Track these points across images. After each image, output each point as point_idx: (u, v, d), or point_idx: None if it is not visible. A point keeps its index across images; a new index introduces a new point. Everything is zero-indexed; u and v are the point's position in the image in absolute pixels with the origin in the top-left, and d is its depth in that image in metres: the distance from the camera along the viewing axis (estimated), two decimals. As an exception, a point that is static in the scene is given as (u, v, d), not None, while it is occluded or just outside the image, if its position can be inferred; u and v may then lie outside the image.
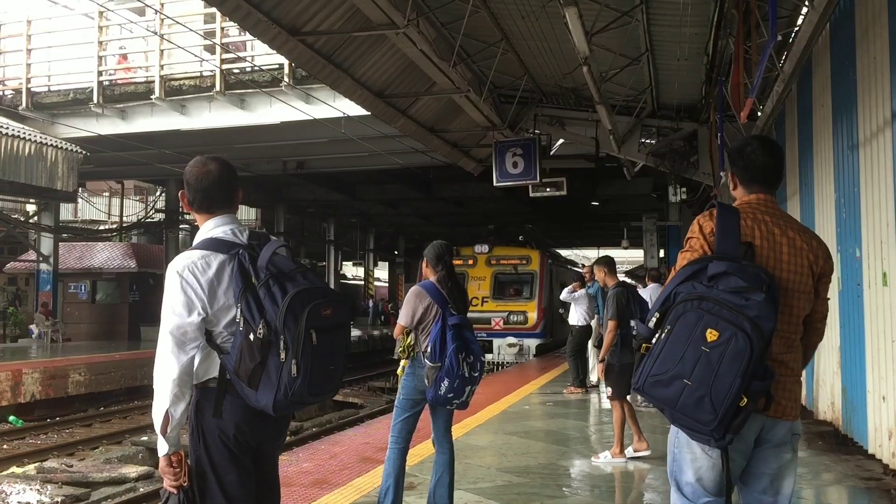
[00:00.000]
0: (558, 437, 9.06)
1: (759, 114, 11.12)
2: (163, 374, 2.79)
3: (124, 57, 20.76)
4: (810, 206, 9.32)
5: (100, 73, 19.43)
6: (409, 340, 5.22)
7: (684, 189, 17.28)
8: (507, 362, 20.77)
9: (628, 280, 32.48)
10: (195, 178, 3.05)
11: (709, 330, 2.67)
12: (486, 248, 22.50)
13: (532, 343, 21.63)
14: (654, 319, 2.80)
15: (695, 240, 2.98)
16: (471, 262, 22.29)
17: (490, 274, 22.27)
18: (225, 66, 18.24)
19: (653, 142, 15.89)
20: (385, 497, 5.18)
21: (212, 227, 3.02)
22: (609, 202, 29.74)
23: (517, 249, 23.53)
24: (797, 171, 10.20)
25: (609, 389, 7.79)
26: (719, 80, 10.96)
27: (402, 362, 5.26)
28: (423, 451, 7.30)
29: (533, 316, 21.85)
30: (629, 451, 7.64)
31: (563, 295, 14.42)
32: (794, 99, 10.29)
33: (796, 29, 8.49)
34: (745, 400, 2.64)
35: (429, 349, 5.03)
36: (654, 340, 2.77)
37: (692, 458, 2.90)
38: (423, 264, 5.45)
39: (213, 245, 2.94)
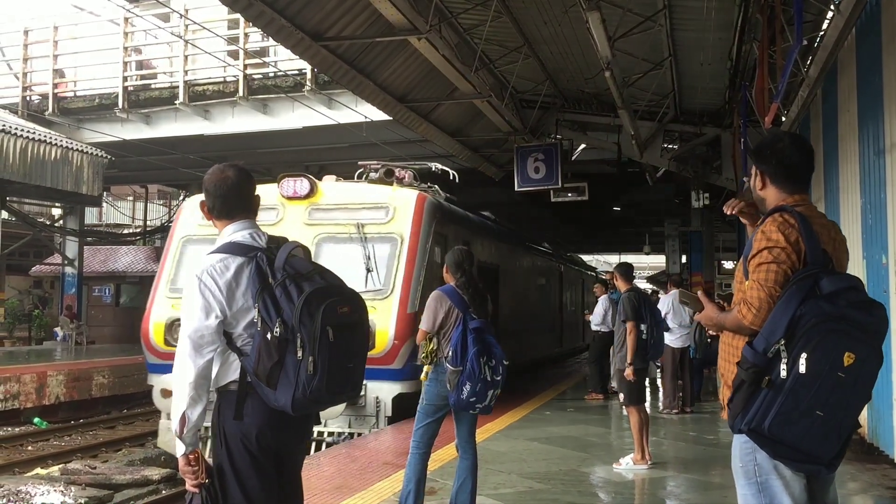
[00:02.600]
0: (579, 443, 9.02)
1: (784, 119, 11.03)
2: (180, 377, 2.82)
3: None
4: (836, 211, 9.22)
5: (125, 79, 19.64)
6: (431, 346, 5.23)
7: (707, 195, 17.16)
8: (334, 436, 9.80)
9: (649, 285, 32.14)
10: (214, 184, 3.09)
11: (847, 354, 2.45)
12: (302, 186, 10.69)
13: (384, 390, 9.76)
14: (777, 347, 2.50)
15: (778, 250, 2.66)
16: (273, 214, 10.57)
17: (311, 239, 10.15)
18: (248, 72, 18.37)
19: (675, 147, 15.83)
20: (406, 502, 5.19)
21: (231, 232, 3.07)
22: (631, 207, 29.58)
23: (364, 189, 11.10)
24: (822, 177, 10.10)
25: (622, 396, 7.77)
26: (743, 84, 10.89)
27: (426, 368, 5.27)
28: (443, 455, 7.29)
29: (386, 330, 9.83)
30: (626, 462, 7.53)
31: (595, 319, 14.10)
32: (818, 104, 10.19)
33: (821, 33, 8.42)
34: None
35: (450, 353, 5.04)
36: (782, 372, 2.48)
37: (785, 485, 2.67)
38: (444, 270, 5.49)
39: (232, 248, 2.98)
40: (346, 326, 2.88)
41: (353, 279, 8.60)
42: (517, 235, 18.88)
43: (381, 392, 9.53)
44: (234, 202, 3.09)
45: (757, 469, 2.72)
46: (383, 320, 9.57)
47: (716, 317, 2.88)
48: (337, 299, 2.88)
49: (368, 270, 9.96)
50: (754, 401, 2.55)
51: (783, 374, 2.49)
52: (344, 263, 8.84)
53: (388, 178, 11.29)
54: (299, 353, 2.77)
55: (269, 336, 2.80)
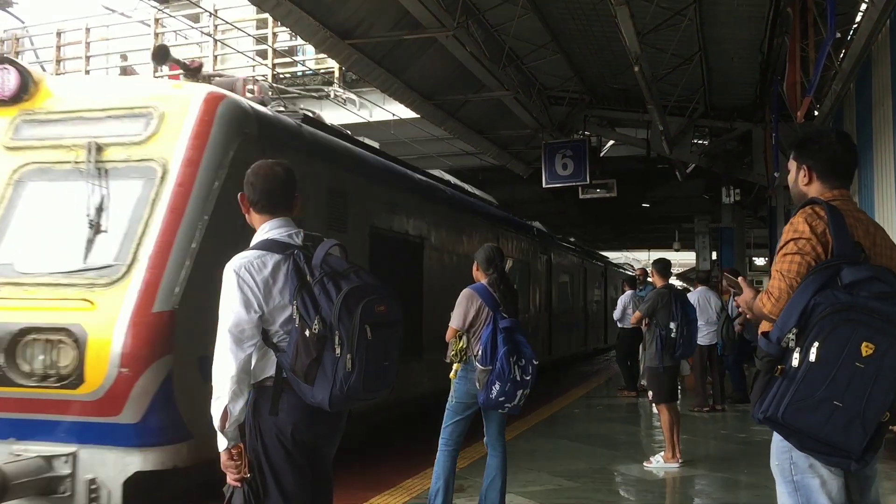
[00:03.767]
0: (609, 441, 8.97)
1: (816, 113, 10.89)
2: (222, 372, 2.85)
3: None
4: (870, 208, 9.09)
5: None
6: (461, 344, 5.22)
7: (738, 190, 16.99)
8: None
9: (679, 282, 31.82)
10: (262, 178, 3.12)
11: (864, 343, 2.43)
12: (7, 81, 5.51)
13: (108, 465, 4.64)
14: (789, 336, 2.51)
15: (804, 241, 2.67)
16: None
17: (8, 173, 5.43)
18: (277, 71, 18.49)
19: (705, 142, 15.68)
20: (435, 499, 5.20)
21: (269, 229, 3.10)
22: (660, 204, 29.35)
23: (115, 86, 6.33)
24: (857, 172, 9.96)
25: (651, 394, 7.76)
26: (775, 79, 10.76)
27: (455, 366, 5.26)
28: (472, 453, 7.30)
29: (107, 347, 4.68)
30: (656, 461, 7.51)
31: (617, 314, 14.07)
32: (852, 98, 10.05)
33: (855, 26, 8.30)
34: (889, 415, 2.49)
35: (480, 352, 5.03)
36: (794, 361, 2.49)
37: (821, 483, 2.67)
38: (475, 267, 5.46)
39: (269, 246, 3.01)
40: (382, 325, 2.91)
41: (65, 244, 5.12)
42: (465, 198, 12.19)
43: (103, 468, 4.65)
44: (277, 198, 3.13)
45: (793, 468, 2.72)
46: (102, 326, 4.76)
47: (750, 302, 2.90)
48: (374, 298, 2.91)
49: (95, 229, 5.14)
50: (769, 390, 2.55)
51: (795, 363, 2.49)
52: (57, 216, 5.26)
53: (159, 60, 6.47)
54: (337, 351, 2.80)
55: (307, 333, 2.83)
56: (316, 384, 2.83)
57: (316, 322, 2.82)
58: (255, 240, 3.09)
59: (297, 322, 2.86)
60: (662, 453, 7.52)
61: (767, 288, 2.72)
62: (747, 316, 3.03)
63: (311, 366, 2.82)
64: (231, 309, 2.90)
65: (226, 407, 2.82)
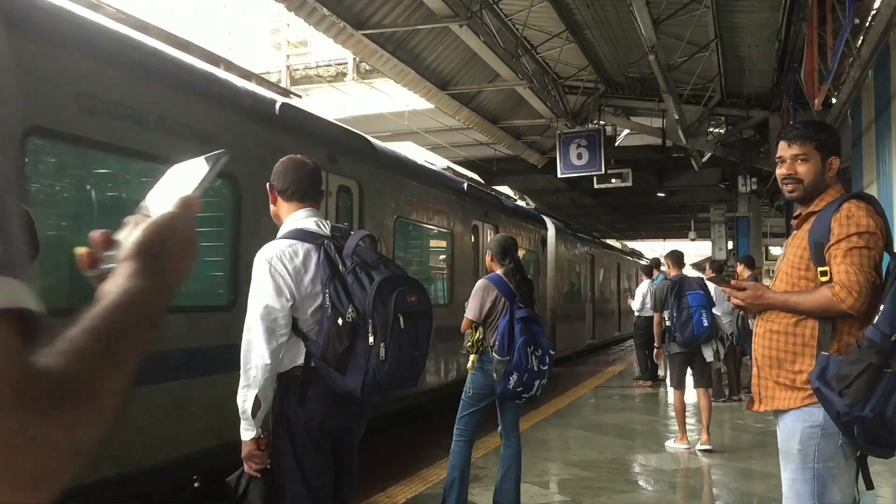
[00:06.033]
0: (625, 430, 8.96)
1: (834, 101, 10.79)
2: (254, 360, 2.87)
3: None
4: (888, 196, 9.00)
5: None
6: (477, 335, 5.20)
7: (754, 179, 16.88)
8: None
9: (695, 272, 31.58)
10: (291, 168, 3.18)
11: None
12: None
13: None
14: None
15: (868, 236, 2.73)
16: None
17: None
18: (290, 62, 18.52)
19: (722, 131, 15.59)
20: (451, 489, 5.20)
21: (297, 219, 3.13)
22: (676, 193, 29.22)
23: None
24: (874, 161, 9.85)
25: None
26: (792, 66, 10.67)
27: (472, 357, 5.24)
28: (487, 443, 7.31)
29: None
30: (669, 444, 7.93)
31: (637, 305, 14.09)
32: (870, 85, 9.93)
33: (873, 12, 8.21)
34: None
35: (497, 343, 5.01)
36: None
37: (841, 471, 2.73)
38: (488, 258, 5.44)
39: (300, 235, 3.04)
40: (414, 315, 2.93)
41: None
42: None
43: None
44: (306, 187, 3.17)
45: (817, 455, 2.71)
46: None
47: (772, 297, 2.87)
48: (406, 288, 2.93)
49: None
50: (877, 386, 2.53)
51: None
52: None
53: None
54: (370, 339, 2.82)
55: (339, 321, 2.84)
56: (348, 373, 2.85)
57: (350, 311, 2.84)
58: (284, 229, 3.12)
59: (330, 311, 2.88)
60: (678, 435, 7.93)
61: (840, 282, 2.68)
62: (750, 310, 3.02)
63: (343, 354, 2.84)
64: (263, 297, 2.91)
65: (257, 395, 2.84)
